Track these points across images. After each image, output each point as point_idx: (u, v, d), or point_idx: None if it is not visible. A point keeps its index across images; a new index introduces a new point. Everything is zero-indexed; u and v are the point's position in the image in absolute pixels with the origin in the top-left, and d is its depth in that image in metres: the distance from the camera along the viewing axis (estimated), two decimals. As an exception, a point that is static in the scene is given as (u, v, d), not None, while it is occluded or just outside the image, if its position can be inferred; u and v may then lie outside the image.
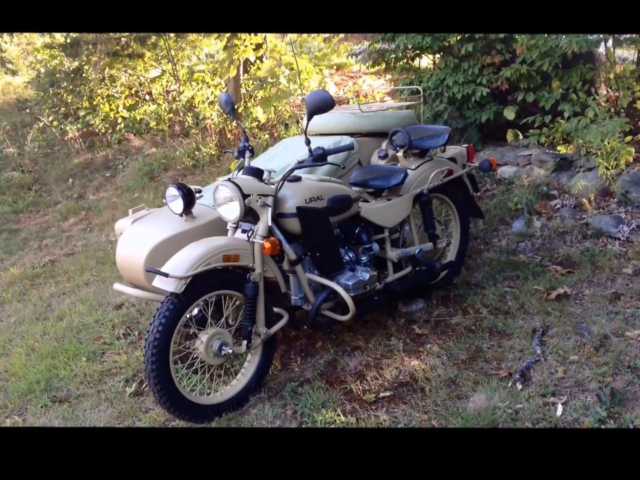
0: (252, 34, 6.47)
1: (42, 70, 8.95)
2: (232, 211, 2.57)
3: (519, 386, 2.45)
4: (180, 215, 2.85)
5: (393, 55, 4.99)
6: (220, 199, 2.59)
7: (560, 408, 2.28)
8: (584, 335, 2.75)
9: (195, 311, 2.61)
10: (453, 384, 2.57)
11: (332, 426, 2.39)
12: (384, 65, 5.19)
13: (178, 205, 2.82)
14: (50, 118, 8.64)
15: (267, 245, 2.50)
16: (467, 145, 3.68)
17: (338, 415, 2.45)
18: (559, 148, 4.16)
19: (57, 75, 8.62)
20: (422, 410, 2.42)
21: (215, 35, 6.90)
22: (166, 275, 2.33)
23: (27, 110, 9.78)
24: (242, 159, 2.85)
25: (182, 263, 2.38)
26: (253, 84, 7.19)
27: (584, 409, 2.25)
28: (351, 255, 2.98)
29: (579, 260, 3.52)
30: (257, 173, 2.66)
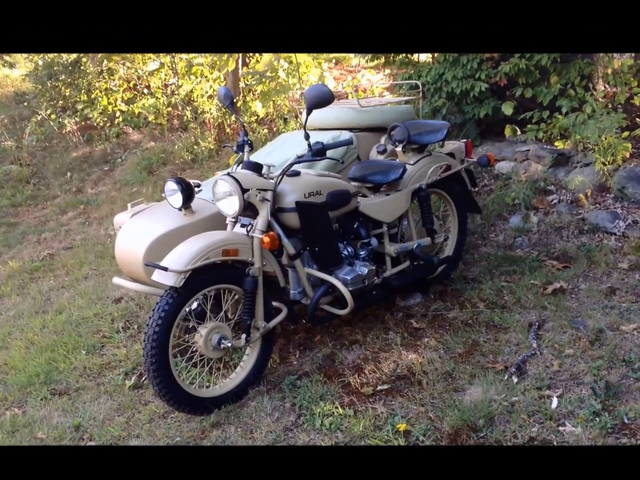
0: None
1: (40, 62, 8.88)
2: (231, 205, 2.58)
3: (515, 379, 2.48)
4: (179, 209, 2.86)
5: (392, 50, 4.99)
6: (220, 194, 2.60)
7: (555, 401, 2.31)
8: (579, 329, 2.77)
9: (195, 305, 2.62)
10: (450, 377, 2.60)
11: (329, 418, 2.42)
12: (382, 60, 5.18)
13: (177, 199, 2.83)
14: (48, 111, 8.60)
15: (266, 239, 2.51)
16: (465, 140, 3.70)
17: (336, 407, 2.48)
18: (556, 144, 4.17)
19: (55, 68, 8.56)
20: (419, 402, 2.45)
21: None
22: (165, 269, 2.35)
23: (25, 104, 9.74)
24: (241, 154, 2.85)
25: (181, 257, 2.39)
26: (252, 77, 7.17)
27: (578, 402, 2.28)
28: (350, 250, 3.00)
29: (575, 255, 3.54)
30: (256, 167, 2.67)
